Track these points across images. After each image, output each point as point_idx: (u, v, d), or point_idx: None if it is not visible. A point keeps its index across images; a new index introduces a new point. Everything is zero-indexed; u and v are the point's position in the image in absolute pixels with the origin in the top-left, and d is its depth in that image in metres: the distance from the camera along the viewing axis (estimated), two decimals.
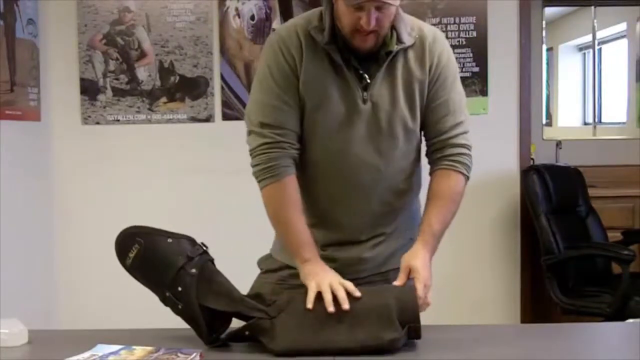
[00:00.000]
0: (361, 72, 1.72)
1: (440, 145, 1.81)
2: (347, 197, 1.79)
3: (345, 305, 1.55)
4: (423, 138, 1.87)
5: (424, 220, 1.78)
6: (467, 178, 1.83)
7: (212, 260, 1.61)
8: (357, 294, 1.58)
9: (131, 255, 1.57)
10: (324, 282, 1.60)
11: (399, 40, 1.72)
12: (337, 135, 1.74)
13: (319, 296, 1.58)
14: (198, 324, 1.54)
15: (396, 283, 1.68)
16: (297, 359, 1.48)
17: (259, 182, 1.77)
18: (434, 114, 1.79)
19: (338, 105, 1.72)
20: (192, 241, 1.60)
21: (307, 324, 1.54)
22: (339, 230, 1.82)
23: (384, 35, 1.69)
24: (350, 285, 1.61)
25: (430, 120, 1.80)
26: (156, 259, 1.57)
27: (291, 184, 1.75)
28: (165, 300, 1.57)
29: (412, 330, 1.55)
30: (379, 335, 1.52)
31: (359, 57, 1.72)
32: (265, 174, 1.73)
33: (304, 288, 1.64)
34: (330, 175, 1.78)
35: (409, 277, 1.69)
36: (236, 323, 1.59)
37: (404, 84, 1.75)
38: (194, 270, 1.55)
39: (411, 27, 1.76)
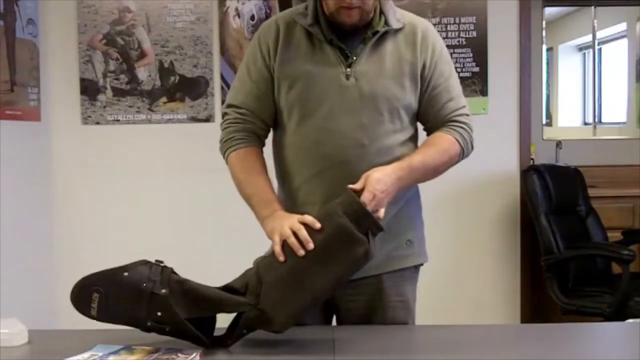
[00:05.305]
0: (345, 50, 1.75)
1: (441, 124, 1.82)
2: (330, 175, 1.74)
3: (310, 245, 1.55)
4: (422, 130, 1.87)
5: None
6: (463, 151, 1.81)
7: (173, 271, 1.58)
8: (317, 225, 1.57)
9: (94, 305, 1.53)
10: (284, 229, 1.59)
11: (387, 24, 1.76)
12: (317, 111, 1.75)
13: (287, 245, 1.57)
14: (193, 335, 1.54)
15: (350, 186, 1.63)
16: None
17: (223, 155, 1.83)
18: (435, 102, 1.80)
19: (317, 82, 1.74)
20: (147, 263, 1.57)
21: (286, 289, 1.54)
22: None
23: (369, 12, 1.73)
24: (309, 219, 1.59)
25: (432, 108, 1.81)
26: (123, 296, 1.53)
27: (250, 151, 1.80)
28: (149, 330, 1.54)
29: (375, 229, 1.57)
30: (351, 257, 1.54)
31: (344, 38, 1.75)
32: (226, 146, 1.81)
33: (267, 259, 1.63)
34: (311, 154, 1.76)
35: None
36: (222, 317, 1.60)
37: (393, 62, 1.76)
38: (164, 291, 1.52)
39: (401, 15, 1.81)
